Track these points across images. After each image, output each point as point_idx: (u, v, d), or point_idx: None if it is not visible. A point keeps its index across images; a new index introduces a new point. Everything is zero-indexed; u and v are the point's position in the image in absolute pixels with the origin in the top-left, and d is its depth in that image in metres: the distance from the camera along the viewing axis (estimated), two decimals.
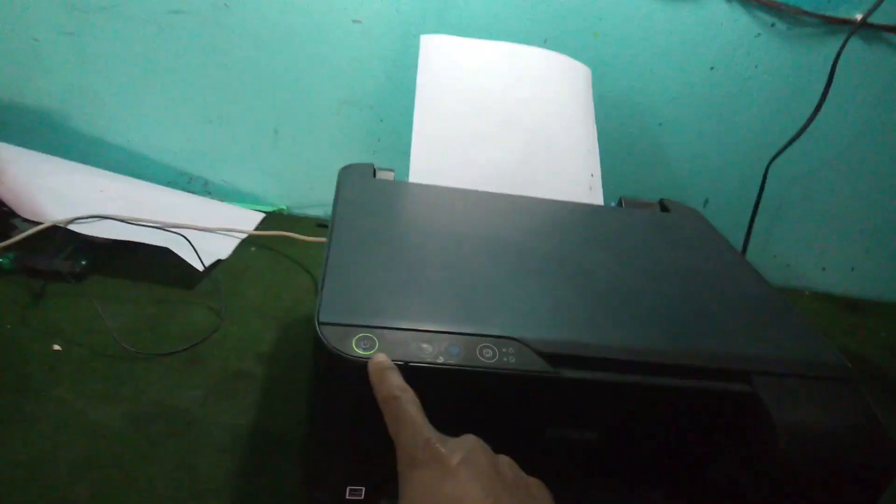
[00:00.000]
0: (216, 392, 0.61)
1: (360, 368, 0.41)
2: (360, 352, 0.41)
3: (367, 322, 0.43)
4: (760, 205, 0.95)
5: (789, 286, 1.05)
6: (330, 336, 0.42)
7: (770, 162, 0.92)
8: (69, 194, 0.77)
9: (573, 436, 0.45)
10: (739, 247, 0.96)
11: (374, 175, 0.68)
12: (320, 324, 0.42)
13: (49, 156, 0.84)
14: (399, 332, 0.43)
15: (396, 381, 0.39)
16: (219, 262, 0.80)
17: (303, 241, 0.87)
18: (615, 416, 0.46)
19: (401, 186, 0.66)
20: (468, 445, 0.35)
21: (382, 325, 0.43)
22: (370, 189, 0.63)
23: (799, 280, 1.06)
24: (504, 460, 0.36)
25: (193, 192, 0.95)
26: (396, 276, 0.49)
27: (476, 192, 0.66)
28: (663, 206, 0.74)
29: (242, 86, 0.89)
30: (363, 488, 0.47)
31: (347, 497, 0.47)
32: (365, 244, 0.52)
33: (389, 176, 0.68)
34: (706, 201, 0.99)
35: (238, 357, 0.66)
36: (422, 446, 0.35)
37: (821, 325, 0.92)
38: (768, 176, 0.93)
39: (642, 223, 0.68)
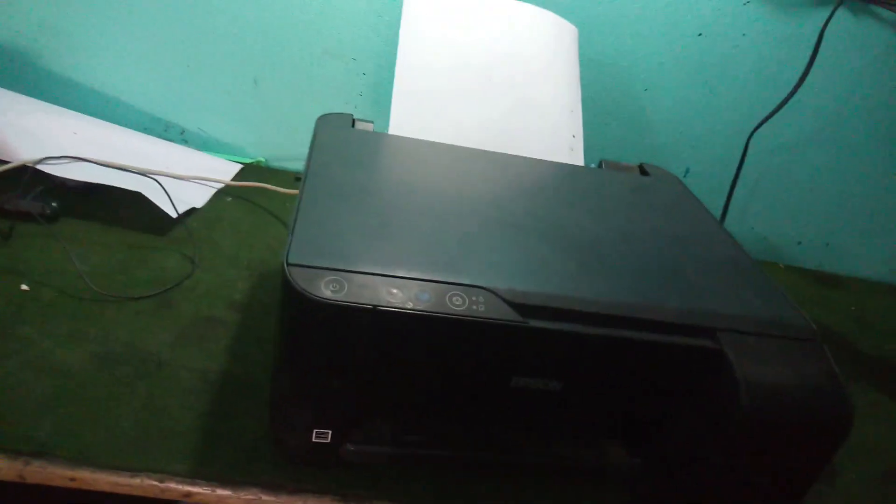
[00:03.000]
0: (187, 337, 0.61)
1: (328, 310, 0.41)
2: (329, 294, 0.41)
3: (337, 265, 0.43)
4: (740, 176, 0.95)
5: (765, 259, 1.06)
6: (298, 277, 0.41)
7: (752, 133, 0.92)
8: (40, 135, 0.75)
9: (538, 385, 0.46)
10: (718, 216, 0.96)
11: (353, 125, 0.67)
12: (289, 265, 0.42)
13: (20, 95, 0.82)
14: (369, 277, 0.43)
15: None
16: (193, 210, 0.79)
17: (279, 193, 0.86)
18: (581, 367, 0.46)
19: (379, 137, 0.65)
20: None
21: (353, 269, 0.43)
22: (347, 138, 0.62)
23: (774, 253, 1.07)
24: None
25: (170, 140, 0.93)
26: (370, 222, 0.49)
27: (455, 146, 0.66)
28: (643, 170, 0.74)
29: (222, 31, 0.87)
30: (329, 431, 0.47)
31: (314, 440, 0.47)
32: (339, 191, 0.52)
33: (368, 127, 0.67)
34: (687, 170, 0.99)
35: (210, 304, 0.65)
36: None
37: (793, 298, 0.94)
38: (749, 147, 0.93)
39: (621, 184, 0.68)
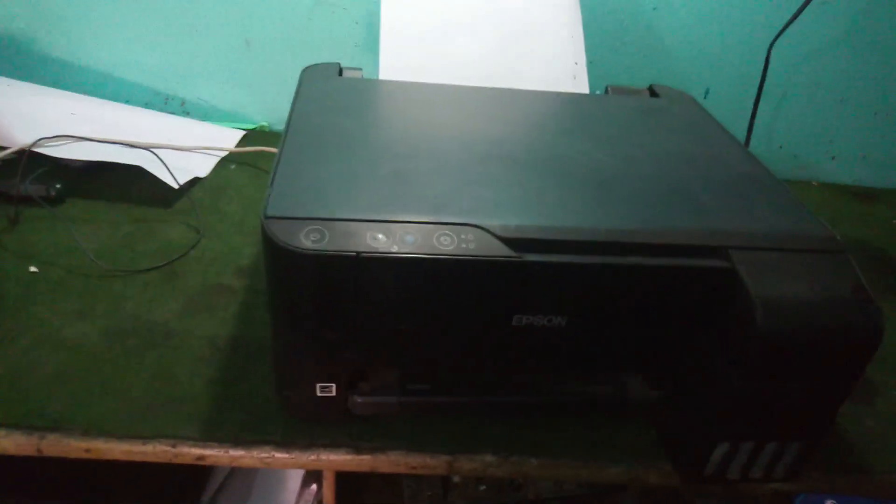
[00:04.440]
0: (195, 305, 0.60)
1: (310, 261, 0.39)
2: (310, 244, 0.39)
3: (318, 214, 0.41)
4: (764, 91, 0.89)
5: (797, 178, 1.00)
6: (277, 230, 0.40)
7: (772, 42, 0.86)
8: (38, 118, 0.75)
9: (542, 323, 0.44)
10: (743, 138, 0.91)
11: (341, 74, 0.64)
12: (267, 218, 0.41)
13: (15, 80, 0.82)
14: (352, 223, 0.41)
15: None
16: (197, 180, 0.79)
17: None
18: (584, 300, 0.44)
19: (366, 83, 0.62)
20: None
21: (334, 217, 0.41)
22: (333, 87, 0.60)
23: (806, 171, 1.01)
24: None
25: (171, 113, 0.92)
26: (354, 169, 0.47)
27: (448, 85, 0.63)
28: (652, 92, 0.70)
29: None
30: (333, 385, 0.46)
31: (318, 394, 0.47)
32: (322, 140, 0.50)
33: (357, 74, 0.64)
34: (707, 91, 0.94)
35: (217, 271, 0.65)
36: None
37: (828, 215, 0.89)
38: (771, 58, 0.87)
39: (627, 108, 0.64)
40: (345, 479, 0.65)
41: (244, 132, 0.91)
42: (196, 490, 0.69)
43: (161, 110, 0.92)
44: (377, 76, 0.66)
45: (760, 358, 0.42)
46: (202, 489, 0.70)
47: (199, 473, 0.70)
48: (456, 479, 0.77)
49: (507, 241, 0.41)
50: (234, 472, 0.75)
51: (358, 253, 0.39)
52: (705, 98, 0.94)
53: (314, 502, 0.73)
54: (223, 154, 0.85)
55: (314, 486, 0.75)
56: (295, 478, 0.74)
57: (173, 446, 0.48)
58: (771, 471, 0.47)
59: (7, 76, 0.82)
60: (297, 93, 0.58)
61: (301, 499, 0.74)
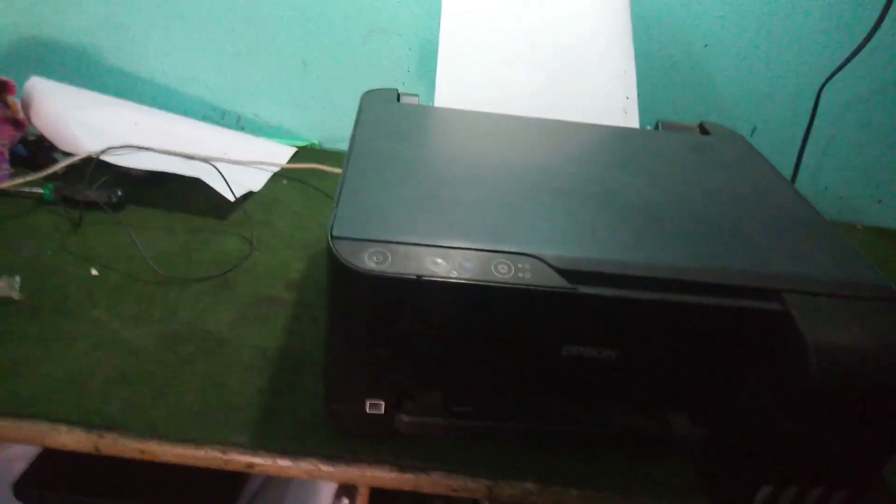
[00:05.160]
0: (246, 315, 0.62)
1: (372, 281, 0.41)
2: (373, 265, 0.41)
3: (381, 237, 0.43)
4: (811, 132, 0.89)
5: (841, 220, 1.00)
6: (343, 250, 0.41)
7: (822, 85, 0.86)
8: (104, 127, 0.78)
9: (591, 354, 0.44)
10: (788, 177, 0.91)
11: (398, 100, 0.66)
12: (333, 238, 0.42)
13: (85, 90, 0.85)
14: (413, 247, 0.42)
15: None
16: (251, 194, 0.81)
17: (333, 173, 0.87)
18: (635, 335, 0.44)
19: (424, 110, 0.64)
20: None
21: (396, 240, 0.42)
22: (392, 112, 0.62)
23: (852, 214, 1.00)
24: None
25: (227, 127, 0.95)
26: (414, 193, 0.48)
27: (502, 115, 0.64)
28: (703, 130, 0.70)
29: (269, 16, 0.88)
30: (383, 402, 0.47)
31: (368, 411, 0.48)
32: (383, 164, 0.52)
33: (413, 101, 0.66)
34: (754, 129, 0.94)
35: (268, 283, 0.67)
36: None
37: (873, 259, 0.88)
38: (820, 101, 0.87)
39: (678, 145, 0.65)
40: (375, 496, 0.65)
41: (296, 149, 0.94)
42: (229, 499, 0.70)
43: (217, 124, 0.95)
44: (432, 102, 0.68)
45: (812, 404, 0.42)
46: (235, 499, 0.71)
47: (232, 483, 0.71)
48: (485, 503, 0.77)
49: (563, 273, 0.42)
50: (266, 483, 0.76)
51: (419, 276, 0.41)
52: (752, 135, 0.95)
53: None
54: (276, 169, 0.87)
55: (346, 501, 0.75)
56: (328, 491, 0.75)
57: (224, 453, 0.49)
58: None
59: (77, 85, 0.86)
60: (359, 117, 0.60)
61: None
